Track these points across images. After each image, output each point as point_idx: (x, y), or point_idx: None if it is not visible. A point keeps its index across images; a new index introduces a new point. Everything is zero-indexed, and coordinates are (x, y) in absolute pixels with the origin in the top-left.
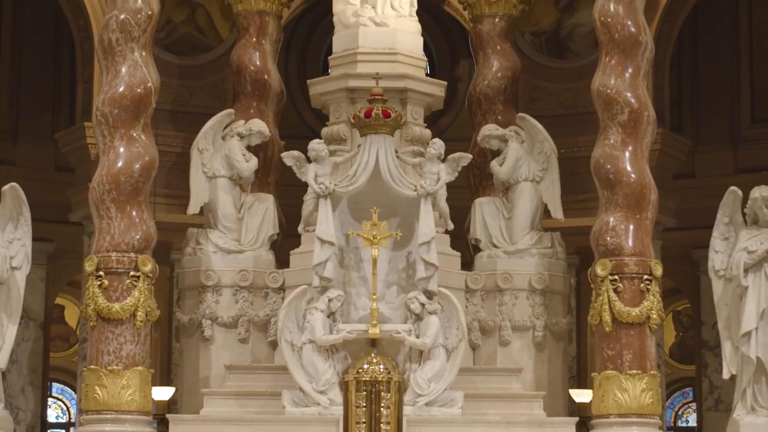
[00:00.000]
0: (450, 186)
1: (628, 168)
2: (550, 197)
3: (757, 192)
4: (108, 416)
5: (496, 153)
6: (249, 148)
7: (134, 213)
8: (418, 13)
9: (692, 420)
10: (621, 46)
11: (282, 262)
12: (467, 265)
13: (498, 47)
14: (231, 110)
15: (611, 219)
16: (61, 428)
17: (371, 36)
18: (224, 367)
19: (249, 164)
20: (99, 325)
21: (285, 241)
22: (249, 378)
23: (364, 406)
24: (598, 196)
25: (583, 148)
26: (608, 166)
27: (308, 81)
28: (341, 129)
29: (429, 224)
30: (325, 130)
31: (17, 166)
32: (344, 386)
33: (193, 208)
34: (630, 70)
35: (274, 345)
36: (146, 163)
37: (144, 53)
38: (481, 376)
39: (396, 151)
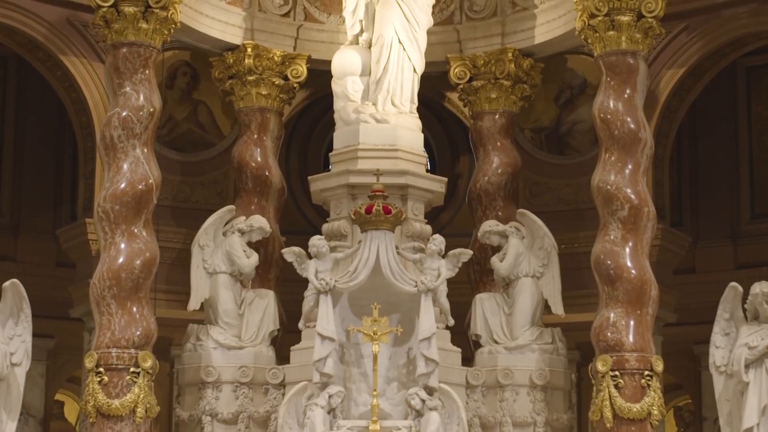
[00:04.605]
0: (450, 282)
1: (629, 264)
2: (551, 293)
3: (758, 288)
4: None
5: (497, 249)
6: (250, 244)
7: (135, 309)
8: (418, 109)
9: None
10: (621, 142)
11: (282, 358)
12: (468, 360)
13: (498, 143)
14: (232, 206)
15: (612, 315)
16: None
17: (372, 132)
18: None
19: (250, 260)
20: (99, 421)
21: (285, 337)
22: None
23: None
24: (598, 291)
25: (584, 243)
26: (609, 262)
27: (309, 177)
28: (342, 225)
29: (429, 320)
30: (325, 226)
31: (18, 262)
32: None
33: (194, 304)
34: (630, 167)
35: None
36: (147, 259)
37: (146, 150)
38: None
39: (397, 247)
